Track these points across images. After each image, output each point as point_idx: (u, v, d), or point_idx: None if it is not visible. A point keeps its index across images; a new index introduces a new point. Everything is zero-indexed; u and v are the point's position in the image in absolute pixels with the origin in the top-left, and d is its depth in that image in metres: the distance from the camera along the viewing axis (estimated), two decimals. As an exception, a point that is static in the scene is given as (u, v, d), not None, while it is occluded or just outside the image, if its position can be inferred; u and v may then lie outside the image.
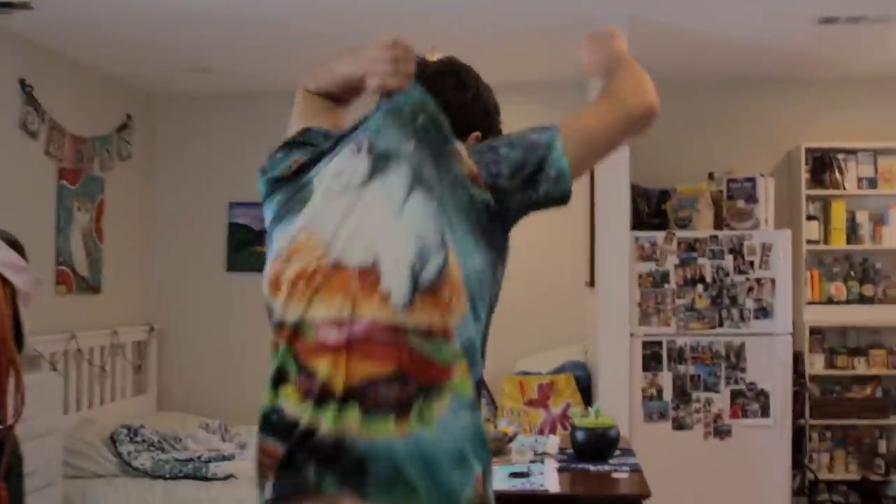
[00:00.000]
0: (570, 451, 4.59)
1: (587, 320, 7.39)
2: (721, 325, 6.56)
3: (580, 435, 4.42)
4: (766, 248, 6.59)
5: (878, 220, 7.61)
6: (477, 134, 2.52)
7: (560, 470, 4.20)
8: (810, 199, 7.62)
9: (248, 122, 8.59)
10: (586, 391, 6.99)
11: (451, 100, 2.46)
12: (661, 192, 7.19)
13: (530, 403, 6.90)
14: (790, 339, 6.65)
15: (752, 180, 6.87)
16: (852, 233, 7.66)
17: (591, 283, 7.10)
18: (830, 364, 7.60)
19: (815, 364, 7.58)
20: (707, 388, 6.54)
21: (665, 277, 6.61)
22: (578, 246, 7.91)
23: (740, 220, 6.73)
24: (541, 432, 6.72)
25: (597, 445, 4.40)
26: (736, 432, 6.53)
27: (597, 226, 6.72)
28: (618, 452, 4.51)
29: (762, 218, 6.81)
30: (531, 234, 6.96)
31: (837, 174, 7.60)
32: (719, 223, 6.99)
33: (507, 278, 2.42)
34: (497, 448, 4.47)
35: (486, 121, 2.55)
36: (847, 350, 7.58)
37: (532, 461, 4.36)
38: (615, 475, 4.11)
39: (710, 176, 7.44)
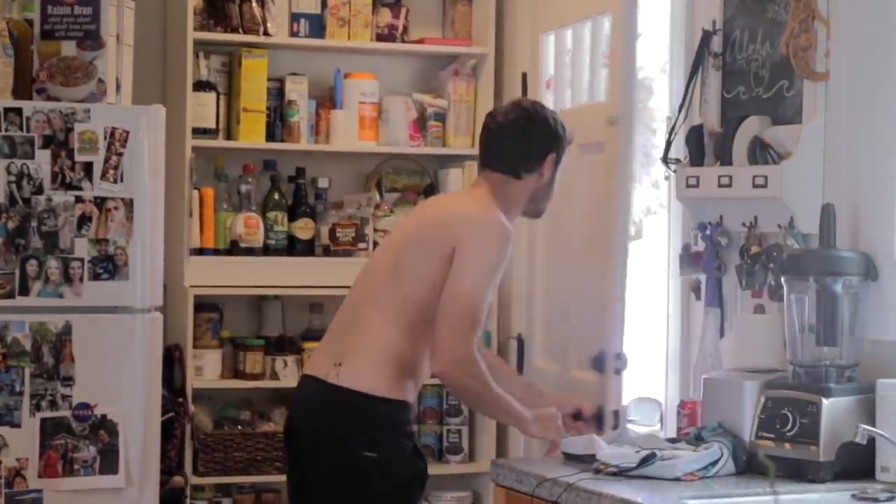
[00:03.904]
0: None
1: None
2: (25, 292, 5.49)
3: None
4: (118, 140, 5.46)
5: (326, 101, 5.86)
6: (553, 155, 3.90)
7: None
8: (201, 47, 5.71)
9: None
10: None
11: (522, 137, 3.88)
12: None
13: None
14: (160, 320, 5.54)
15: (93, 3, 5.46)
16: (277, 119, 5.85)
17: None
18: (235, 368, 5.83)
19: (208, 369, 5.92)
20: (-4, 418, 5.55)
21: None
22: None
23: (67, 83, 5.54)
24: None
25: None
26: (52, 501, 5.45)
27: None
28: None
29: (110, 80, 5.54)
30: None
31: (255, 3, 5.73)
32: (25, 86, 5.50)
33: None
34: None
35: (552, 143, 3.92)
36: (264, 343, 5.87)
37: None
38: None
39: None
